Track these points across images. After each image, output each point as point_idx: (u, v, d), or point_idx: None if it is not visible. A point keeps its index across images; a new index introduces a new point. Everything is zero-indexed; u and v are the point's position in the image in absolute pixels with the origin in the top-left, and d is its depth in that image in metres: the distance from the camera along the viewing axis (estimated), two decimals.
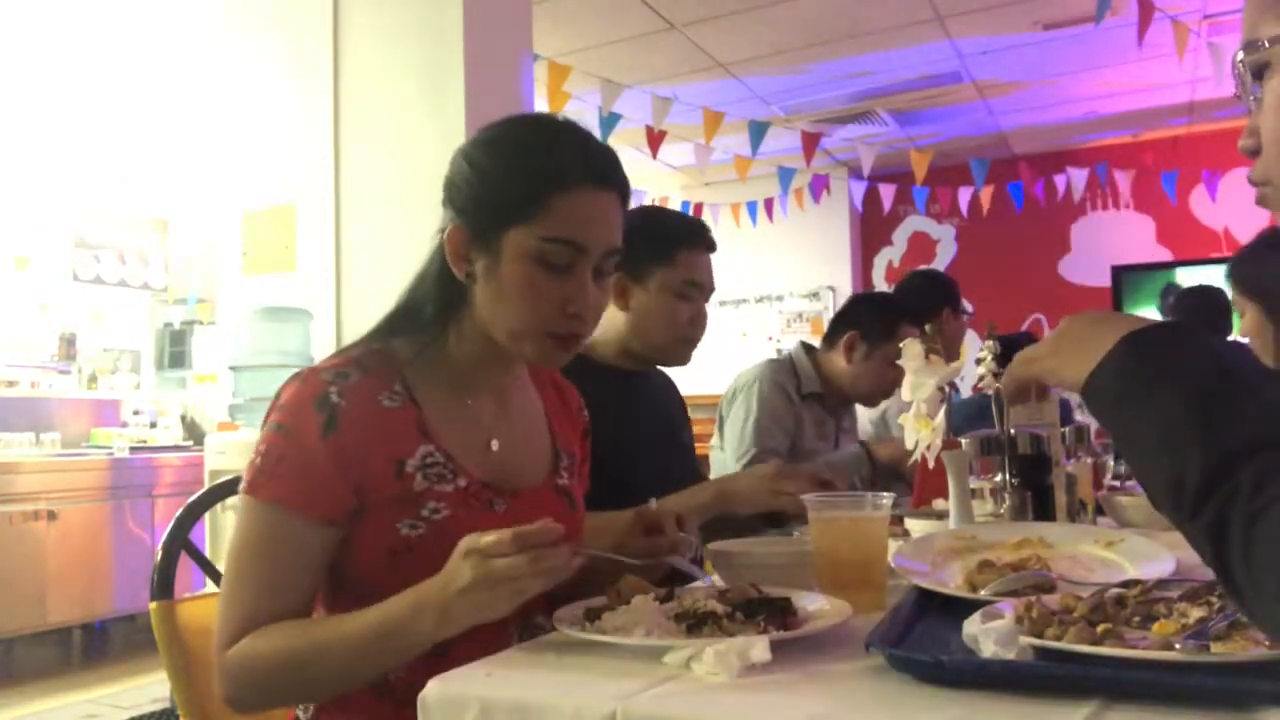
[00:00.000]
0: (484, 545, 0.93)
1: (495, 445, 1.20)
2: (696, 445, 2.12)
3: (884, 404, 3.08)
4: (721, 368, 4.64)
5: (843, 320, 2.63)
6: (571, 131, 1.16)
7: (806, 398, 2.56)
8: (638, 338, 1.84)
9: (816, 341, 2.71)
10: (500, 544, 0.93)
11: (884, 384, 2.58)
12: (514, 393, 1.27)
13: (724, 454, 2.54)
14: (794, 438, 2.51)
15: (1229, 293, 2.00)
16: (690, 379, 2.16)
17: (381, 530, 1.10)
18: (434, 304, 1.17)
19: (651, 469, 1.78)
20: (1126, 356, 0.74)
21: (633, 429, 1.80)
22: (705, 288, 1.85)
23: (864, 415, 3.10)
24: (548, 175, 1.11)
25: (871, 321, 2.56)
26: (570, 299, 1.12)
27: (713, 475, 2.52)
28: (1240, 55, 0.78)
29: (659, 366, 1.95)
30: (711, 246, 1.88)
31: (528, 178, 1.11)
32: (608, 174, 1.14)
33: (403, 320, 1.20)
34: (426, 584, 0.98)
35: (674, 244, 1.83)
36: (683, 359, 1.88)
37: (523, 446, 1.25)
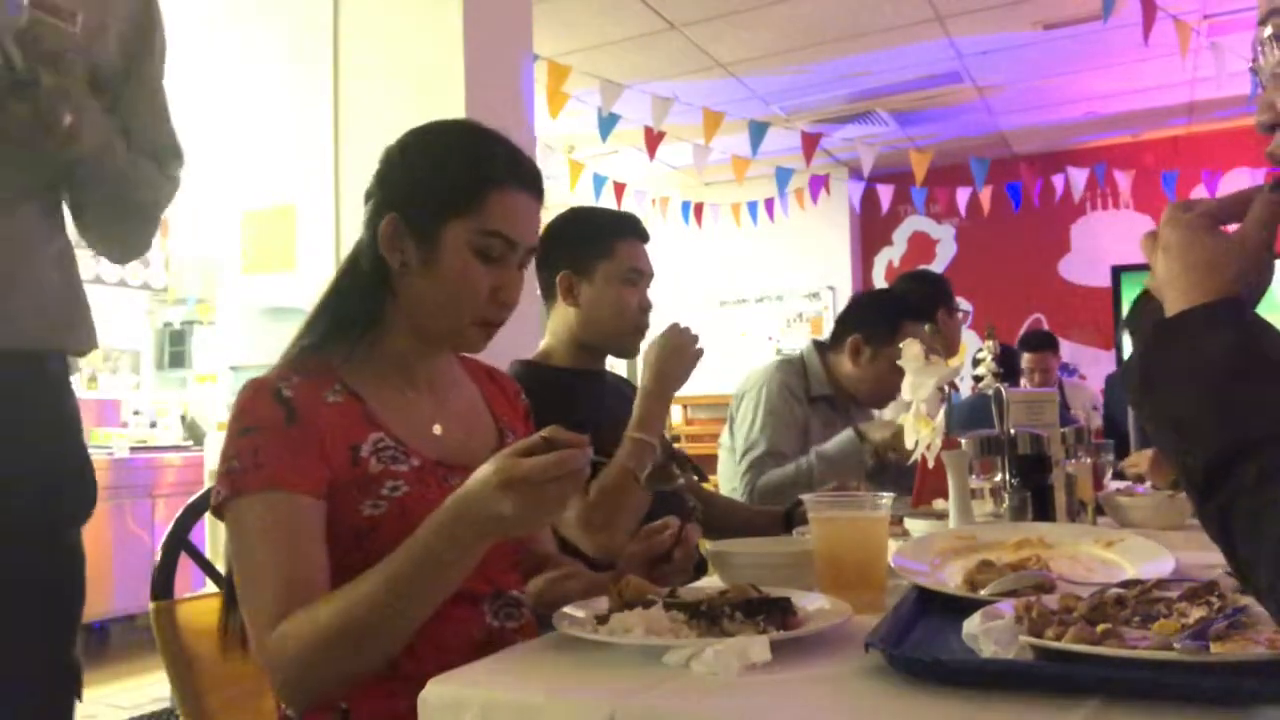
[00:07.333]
0: (528, 473, 0.95)
1: (438, 429, 1.23)
2: (700, 444, 2.12)
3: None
4: (722, 368, 4.65)
5: (846, 322, 2.62)
6: (502, 139, 1.25)
7: (815, 400, 2.55)
8: (590, 329, 1.88)
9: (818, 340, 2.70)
10: (545, 469, 0.94)
11: (888, 386, 2.56)
12: (449, 385, 1.31)
13: (732, 452, 2.54)
14: (802, 440, 2.51)
15: None
16: (691, 379, 2.16)
17: (345, 515, 1.12)
18: (365, 300, 1.22)
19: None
20: (1154, 346, 0.78)
21: (595, 428, 1.79)
22: (646, 274, 1.92)
23: None
24: (485, 174, 1.19)
25: (874, 323, 2.54)
26: (501, 287, 1.21)
27: (720, 471, 2.53)
28: (1269, 32, 0.80)
29: (611, 358, 1.97)
30: (645, 236, 1.95)
31: (468, 174, 1.19)
32: (535, 181, 1.24)
33: (330, 327, 1.22)
34: (451, 507, 0.98)
35: (610, 237, 1.90)
36: (633, 349, 1.92)
37: (466, 429, 1.28)
